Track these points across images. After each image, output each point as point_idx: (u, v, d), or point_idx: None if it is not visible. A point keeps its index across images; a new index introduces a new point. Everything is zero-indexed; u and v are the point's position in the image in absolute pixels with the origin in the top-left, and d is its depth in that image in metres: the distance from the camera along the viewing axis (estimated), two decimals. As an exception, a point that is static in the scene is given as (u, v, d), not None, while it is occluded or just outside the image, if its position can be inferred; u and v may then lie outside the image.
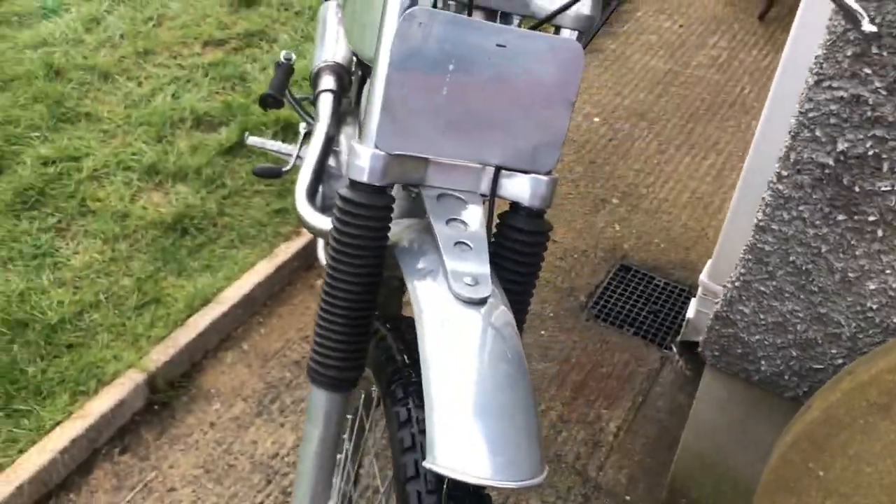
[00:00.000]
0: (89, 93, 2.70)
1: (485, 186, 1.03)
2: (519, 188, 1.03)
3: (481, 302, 0.94)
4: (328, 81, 1.52)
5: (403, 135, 0.98)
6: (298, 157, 1.60)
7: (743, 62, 3.46)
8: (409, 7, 0.96)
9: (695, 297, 2.14)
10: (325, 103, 1.50)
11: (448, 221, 1.00)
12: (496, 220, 1.10)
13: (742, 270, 1.32)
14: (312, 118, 1.53)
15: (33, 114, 2.55)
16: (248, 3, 3.20)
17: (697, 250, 2.48)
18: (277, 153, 1.83)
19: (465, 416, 0.86)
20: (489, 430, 0.86)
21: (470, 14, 0.99)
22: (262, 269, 2.18)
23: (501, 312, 0.96)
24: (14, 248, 2.16)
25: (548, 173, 1.04)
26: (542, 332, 2.20)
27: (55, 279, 2.10)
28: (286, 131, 2.62)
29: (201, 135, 2.59)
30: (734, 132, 3.01)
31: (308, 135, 1.52)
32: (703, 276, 2.07)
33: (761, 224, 1.27)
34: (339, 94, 1.52)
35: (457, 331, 0.92)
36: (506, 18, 1.06)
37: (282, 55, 1.59)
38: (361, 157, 0.99)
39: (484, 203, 1.04)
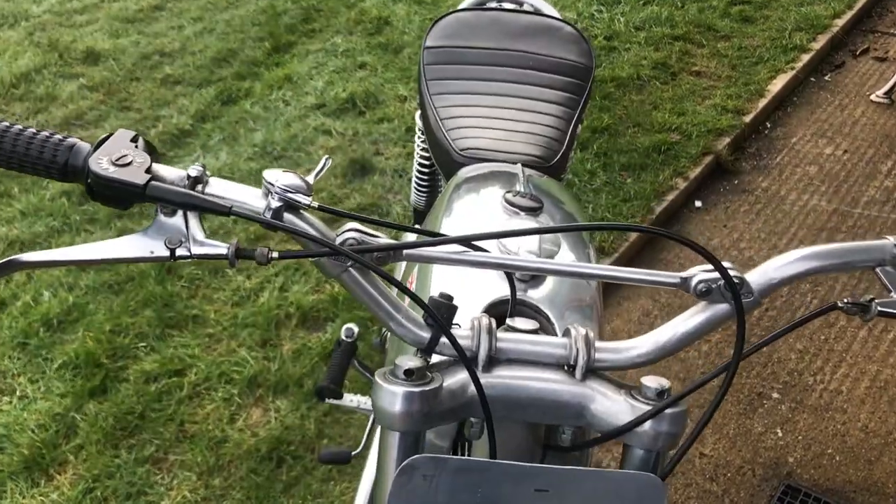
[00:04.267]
0: (199, 290, 2.62)
1: None
2: None
3: None
4: None
5: None
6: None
7: (926, 190, 2.96)
8: (407, 455, 0.70)
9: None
10: None
11: None
12: None
13: None
14: None
15: (142, 320, 2.49)
16: (362, 172, 3.08)
17: (884, 465, 2.02)
18: (356, 410, 1.61)
19: None
20: None
21: (493, 456, 0.72)
22: (360, 514, 1.95)
23: None
24: (109, 486, 2.05)
25: None
26: (690, 588, 1.82)
27: (146, 525, 1.96)
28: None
29: (306, 334, 2.44)
30: (922, 288, 2.52)
31: None
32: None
33: None
34: None
35: None
36: (552, 432, 0.79)
37: (342, 331, 1.37)
38: None
39: None
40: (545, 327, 0.90)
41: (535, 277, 0.94)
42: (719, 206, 2.94)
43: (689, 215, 2.90)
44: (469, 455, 0.87)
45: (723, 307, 0.77)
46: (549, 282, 0.95)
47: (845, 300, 0.79)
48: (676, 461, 0.74)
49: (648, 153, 3.04)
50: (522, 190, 1.09)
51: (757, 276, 0.77)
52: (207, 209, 0.69)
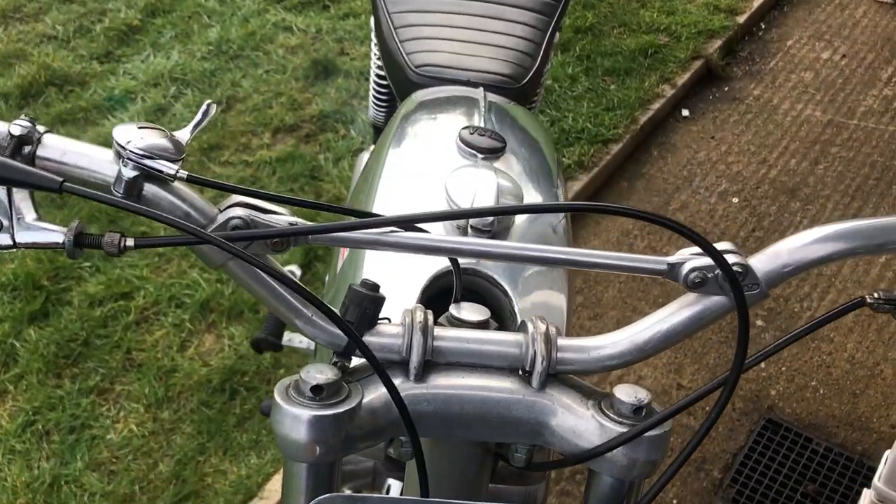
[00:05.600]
0: (148, 204, 2.44)
1: None
2: None
3: None
4: None
5: None
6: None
7: (927, 99, 2.79)
8: (318, 491, 0.55)
9: (869, 488, 1.62)
10: None
11: None
12: None
13: None
14: None
15: (86, 238, 2.31)
16: (325, 73, 2.85)
17: (869, 398, 1.92)
18: (305, 351, 1.49)
19: None
20: None
21: (425, 491, 0.58)
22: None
23: None
24: (51, 418, 1.93)
25: None
26: (662, 528, 1.74)
27: (90, 460, 1.85)
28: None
29: (263, 254, 2.28)
30: (917, 206, 2.40)
31: None
32: (878, 482, 1.54)
33: None
34: None
35: None
36: (504, 445, 0.64)
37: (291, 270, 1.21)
38: None
39: None
40: (500, 307, 0.75)
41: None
42: (708, 115, 2.75)
43: (676, 125, 2.71)
44: (402, 474, 0.72)
45: (719, 299, 0.61)
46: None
47: (875, 294, 0.63)
48: (654, 495, 0.59)
49: (634, 56, 2.83)
50: (482, 124, 0.92)
51: (765, 262, 0.61)
52: (29, 184, 0.51)
